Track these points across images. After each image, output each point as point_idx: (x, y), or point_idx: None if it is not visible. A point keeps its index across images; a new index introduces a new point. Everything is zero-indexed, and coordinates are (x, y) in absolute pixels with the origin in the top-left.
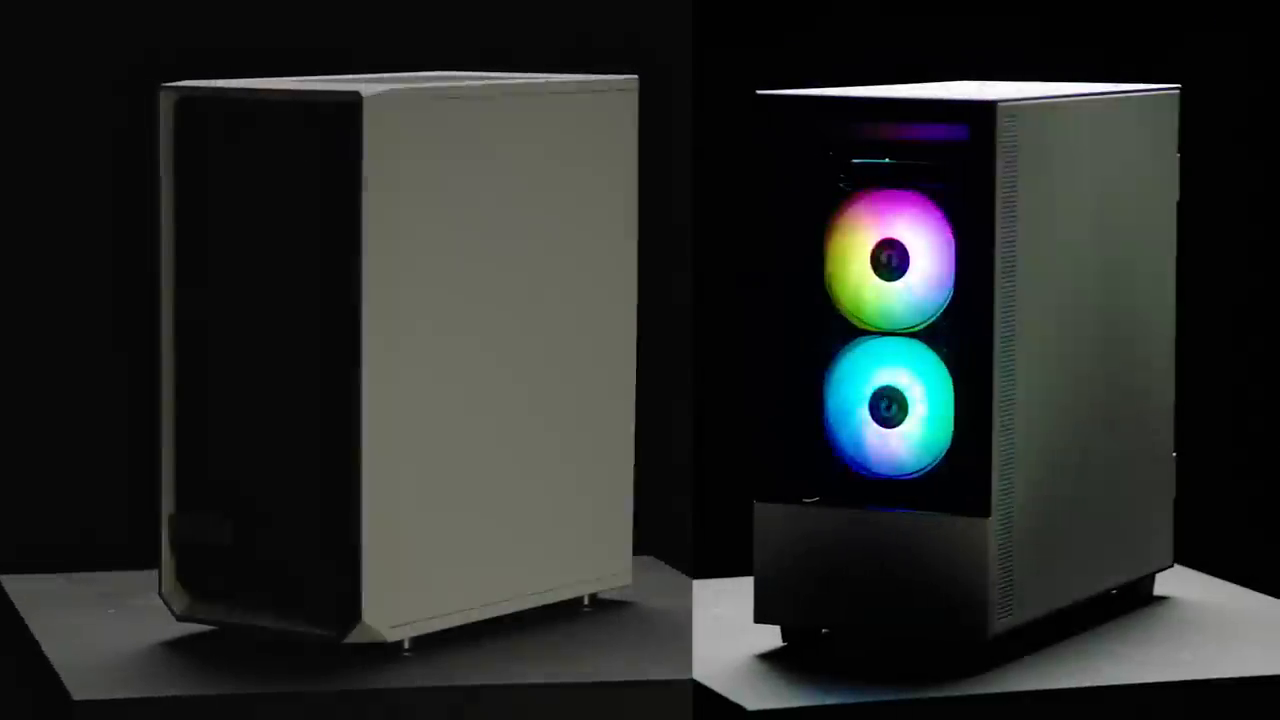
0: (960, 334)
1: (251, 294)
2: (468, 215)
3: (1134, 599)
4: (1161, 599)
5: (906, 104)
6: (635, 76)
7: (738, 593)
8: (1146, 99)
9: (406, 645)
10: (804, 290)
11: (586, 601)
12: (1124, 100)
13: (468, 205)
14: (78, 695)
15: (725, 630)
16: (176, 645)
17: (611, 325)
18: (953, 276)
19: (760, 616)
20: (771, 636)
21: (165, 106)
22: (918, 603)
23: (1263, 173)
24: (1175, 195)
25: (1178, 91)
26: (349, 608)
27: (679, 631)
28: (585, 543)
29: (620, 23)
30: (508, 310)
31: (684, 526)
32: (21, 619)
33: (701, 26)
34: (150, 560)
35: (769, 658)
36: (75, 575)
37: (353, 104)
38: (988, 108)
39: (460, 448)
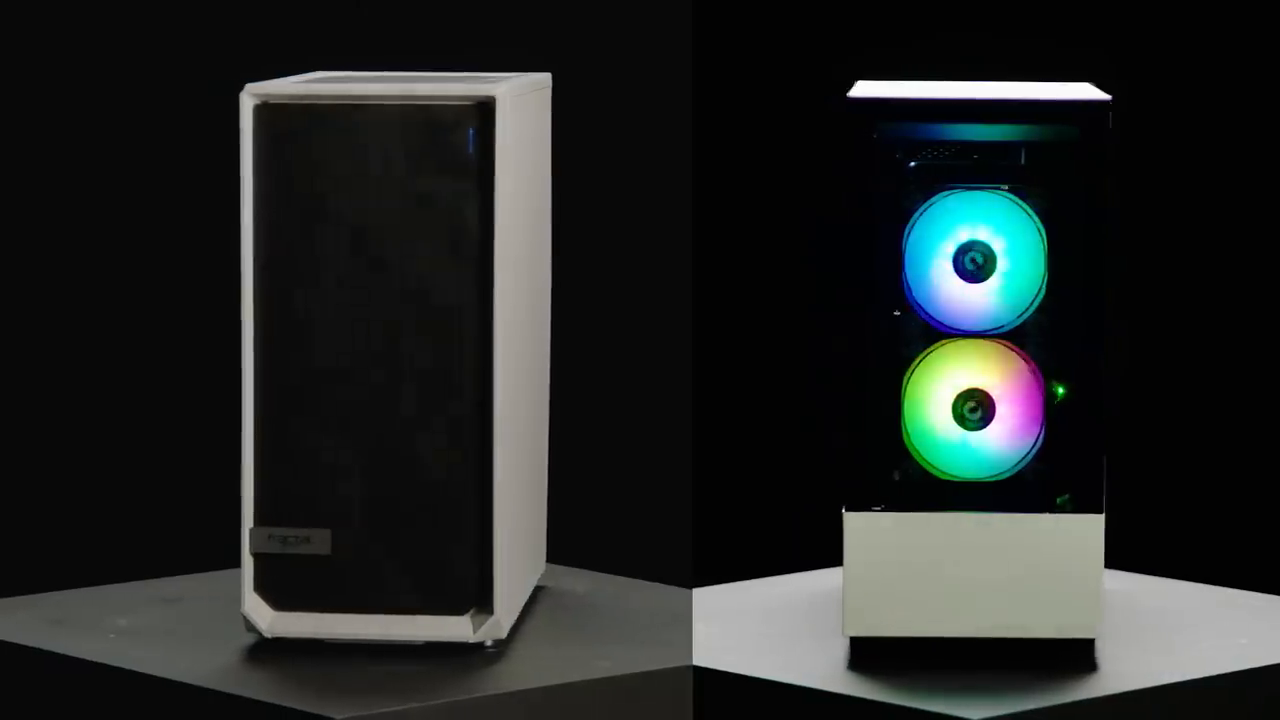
0: (1059, 334)
1: (357, 296)
2: (538, 211)
3: None
4: None
5: (1008, 105)
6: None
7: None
8: None
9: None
10: (885, 296)
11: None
12: None
13: (539, 201)
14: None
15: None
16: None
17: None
18: (1043, 279)
19: (853, 628)
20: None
21: (246, 109)
22: (1025, 604)
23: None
24: None
25: None
26: (483, 606)
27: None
28: None
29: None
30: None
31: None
32: None
33: (701, 27)
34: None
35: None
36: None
37: (487, 103)
38: (1099, 107)
39: (532, 446)
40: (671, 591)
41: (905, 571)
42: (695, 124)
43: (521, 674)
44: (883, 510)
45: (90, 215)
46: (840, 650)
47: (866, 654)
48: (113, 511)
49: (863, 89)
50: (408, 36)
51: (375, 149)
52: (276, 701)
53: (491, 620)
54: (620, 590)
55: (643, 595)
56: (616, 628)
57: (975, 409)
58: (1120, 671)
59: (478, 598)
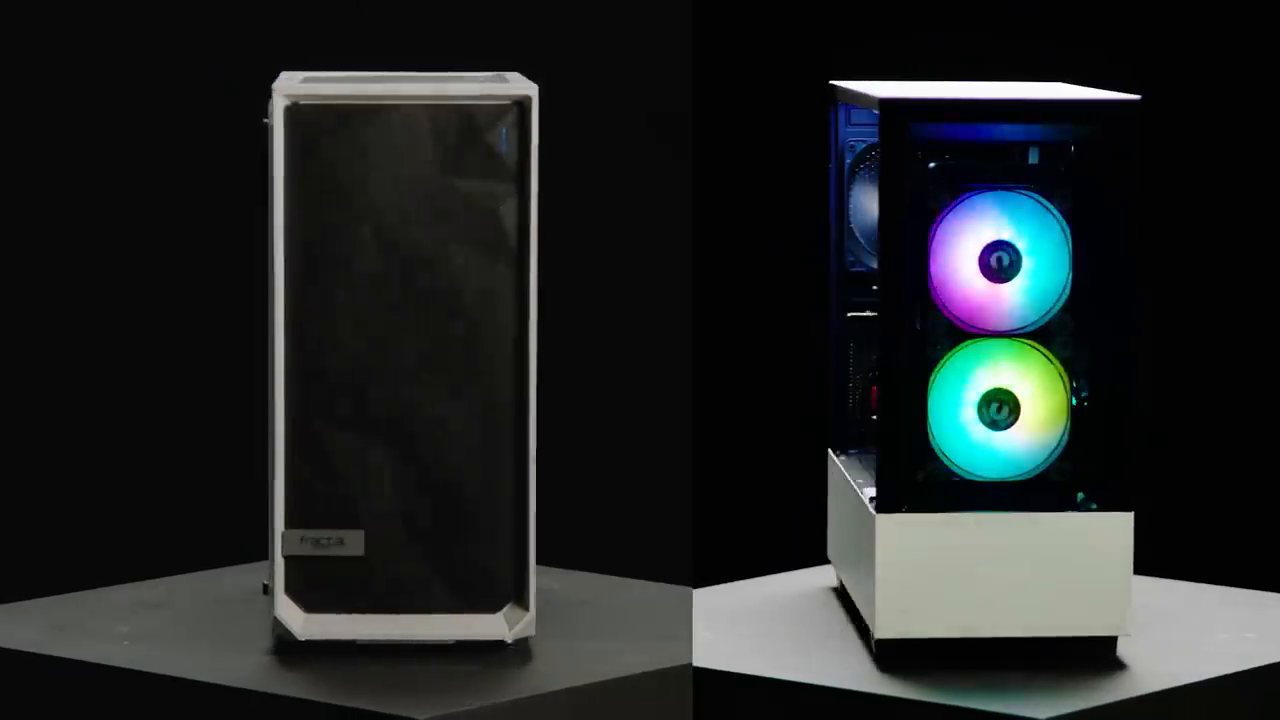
0: (1083, 334)
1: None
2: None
3: None
4: None
5: (1037, 105)
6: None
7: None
8: None
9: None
10: (913, 297)
11: None
12: None
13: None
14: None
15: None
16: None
17: None
18: (1068, 276)
19: (888, 630)
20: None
21: (278, 110)
22: (1054, 602)
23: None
24: None
25: None
26: (517, 604)
27: None
28: None
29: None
30: None
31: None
32: None
33: (701, 28)
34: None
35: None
36: None
37: (523, 102)
38: (1128, 107)
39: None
40: (672, 590)
41: (936, 573)
42: (695, 123)
43: (565, 671)
44: (912, 512)
45: (116, 221)
46: (845, 650)
47: (892, 655)
48: (53, 520)
49: (886, 87)
50: (386, 37)
51: (408, 149)
52: (344, 703)
53: (527, 618)
54: (616, 588)
55: (642, 594)
56: (615, 625)
57: (1001, 409)
58: (1153, 669)
59: (511, 596)
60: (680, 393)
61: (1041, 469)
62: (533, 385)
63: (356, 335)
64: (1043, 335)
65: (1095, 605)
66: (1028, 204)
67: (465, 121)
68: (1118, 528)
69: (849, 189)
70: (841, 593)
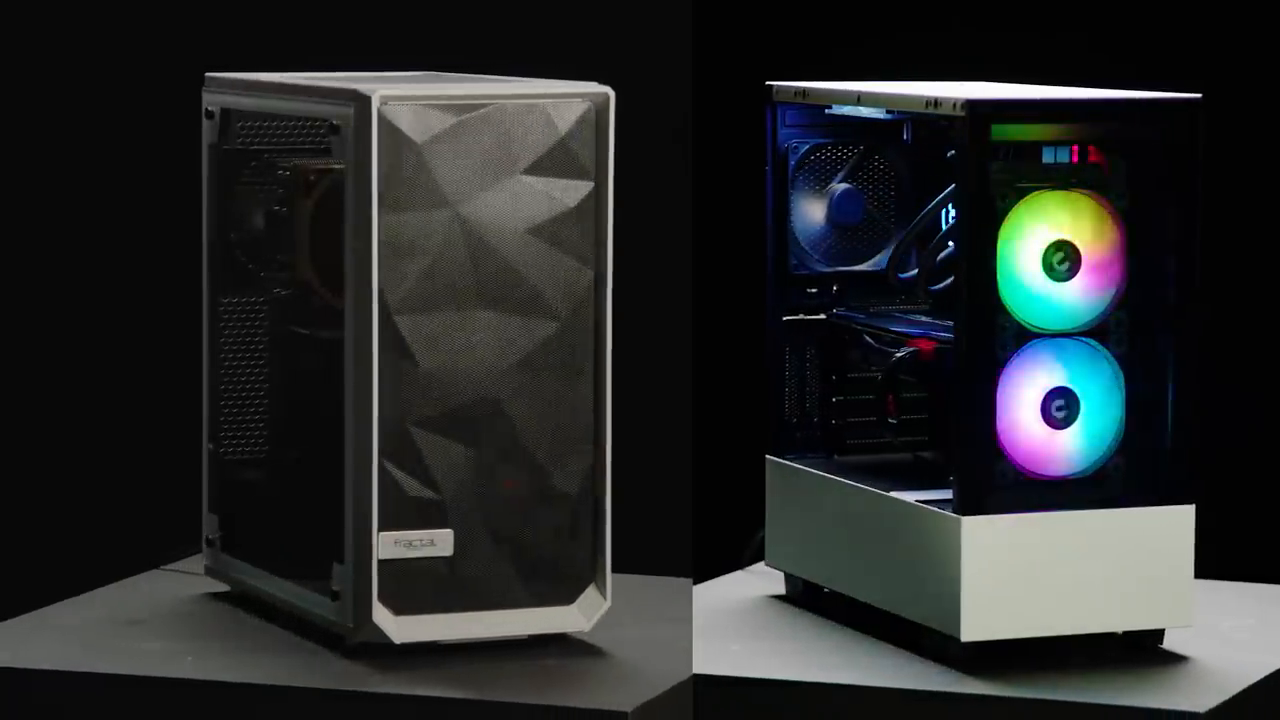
0: (1139, 331)
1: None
2: None
3: None
4: None
5: (1098, 105)
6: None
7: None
8: None
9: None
10: (983, 296)
11: None
12: None
13: None
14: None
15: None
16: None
17: None
18: (1123, 276)
19: (974, 632)
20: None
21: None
22: (1124, 597)
23: None
24: None
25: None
26: (592, 595)
27: None
28: None
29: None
30: None
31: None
32: None
33: (701, 27)
34: None
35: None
36: None
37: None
38: (1190, 107)
39: None
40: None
41: (1018, 573)
42: (694, 125)
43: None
44: (992, 513)
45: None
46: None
47: (971, 657)
48: None
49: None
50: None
51: (495, 148)
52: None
53: (605, 608)
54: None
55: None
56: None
57: (1063, 405)
58: (1218, 665)
59: (587, 587)
60: (680, 391)
61: (1099, 466)
62: (608, 380)
63: (445, 334)
64: (1099, 333)
65: (1162, 598)
66: (1086, 204)
67: (550, 121)
68: (1180, 521)
69: (791, 191)
70: (802, 597)
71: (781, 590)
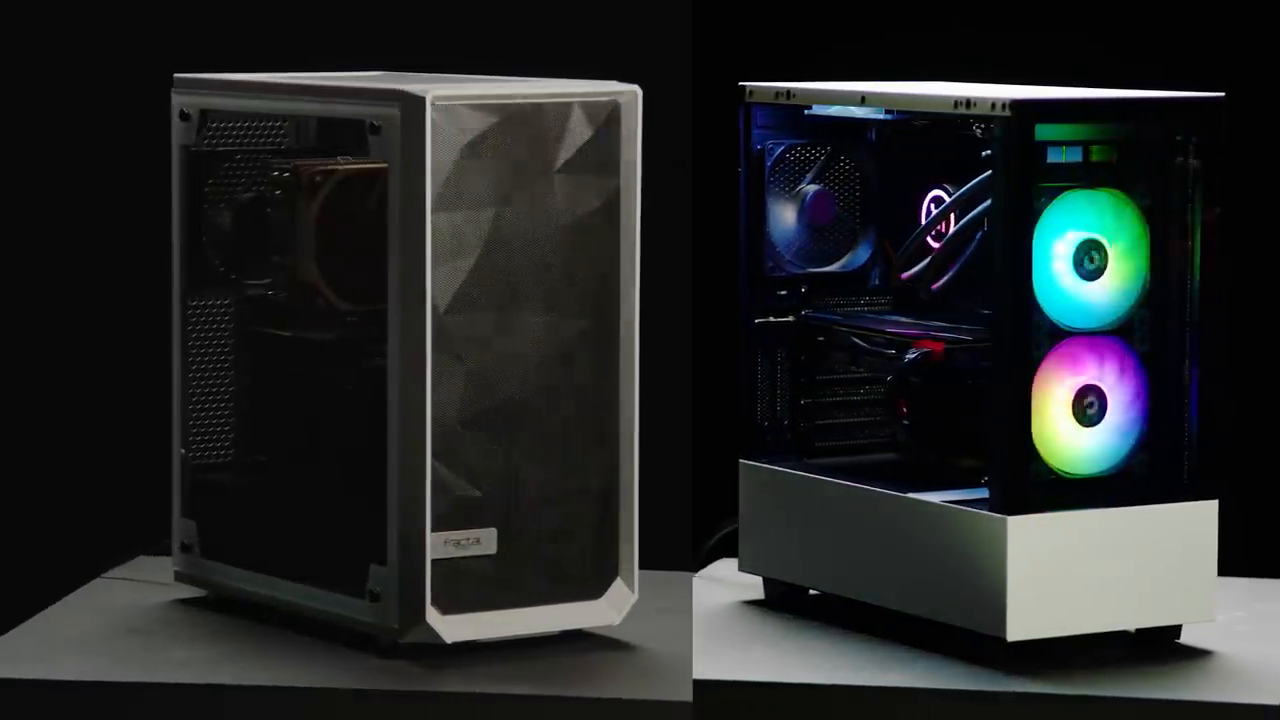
0: (1160, 328)
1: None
2: None
3: None
4: None
5: (1137, 104)
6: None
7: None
8: None
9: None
10: (1022, 295)
11: None
12: None
13: None
14: None
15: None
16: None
17: None
18: (1145, 275)
19: (1020, 631)
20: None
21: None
22: (1156, 592)
23: None
24: None
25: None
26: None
27: None
28: None
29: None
30: None
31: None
32: None
33: (700, 29)
34: None
35: None
36: None
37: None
38: (1212, 105)
39: None
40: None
41: (1058, 572)
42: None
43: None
44: (1032, 513)
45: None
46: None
47: (1011, 655)
48: None
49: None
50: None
51: (542, 144)
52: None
53: (632, 601)
54: None
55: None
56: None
57: (1092, 404)
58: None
59: (614, 581)
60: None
61: (1125, 463)
62: (636, 375)
63: (483, 333)
64: (1125, 330)
65: (1189, 593)
66: (1112, 203)
67: (578, 120)
68: (1203, 516)
69: (768, 192)
70: (782, 602)
71: (744, 595)
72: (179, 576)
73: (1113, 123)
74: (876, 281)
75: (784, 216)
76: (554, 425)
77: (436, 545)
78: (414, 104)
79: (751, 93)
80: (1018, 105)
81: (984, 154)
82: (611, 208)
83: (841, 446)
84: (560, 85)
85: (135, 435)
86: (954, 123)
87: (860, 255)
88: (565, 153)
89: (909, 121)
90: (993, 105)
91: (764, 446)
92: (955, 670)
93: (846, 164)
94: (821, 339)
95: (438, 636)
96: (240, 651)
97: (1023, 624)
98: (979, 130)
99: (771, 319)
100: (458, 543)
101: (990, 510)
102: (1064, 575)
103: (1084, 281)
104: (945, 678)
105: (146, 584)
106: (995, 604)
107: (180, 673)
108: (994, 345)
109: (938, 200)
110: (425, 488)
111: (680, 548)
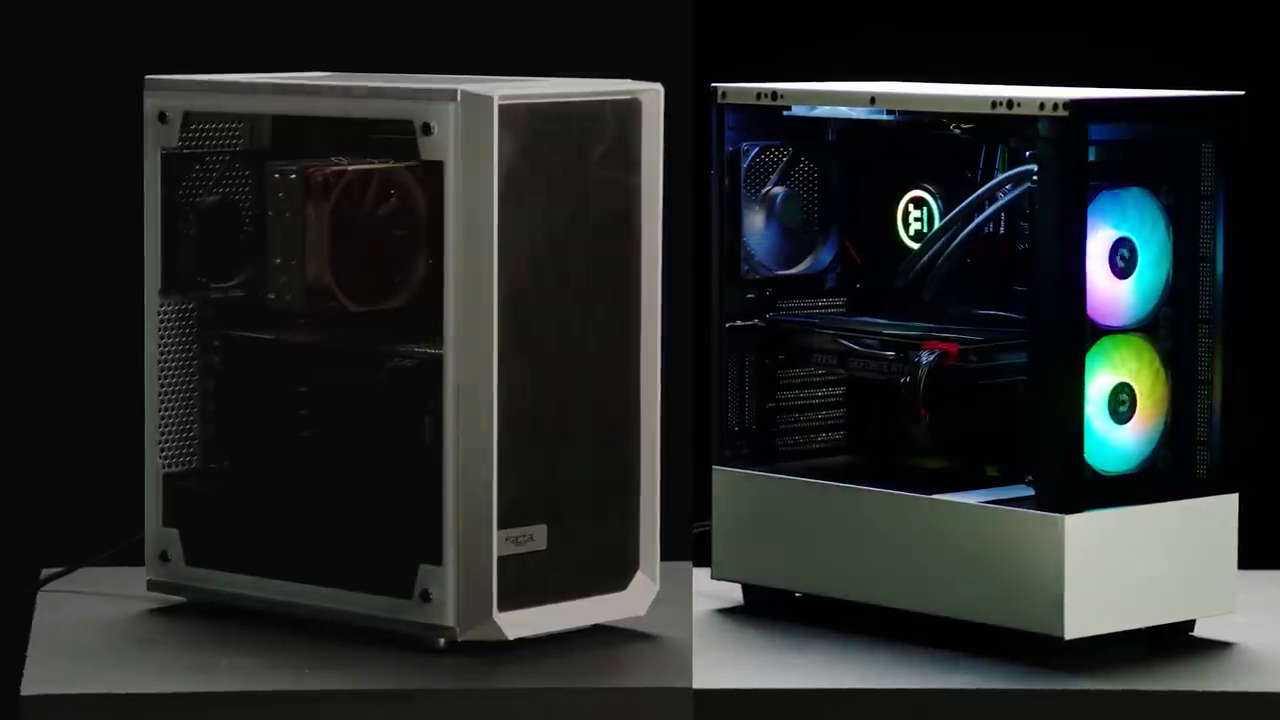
0: (1183, 325)
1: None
2: None
3: None
4: None
5: (1151, 103)
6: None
7: None
8: None
9: None
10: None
11: None
12: None
13: None
14: None
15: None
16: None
17: None
18: (1169, 273)
19: (1078, 629)
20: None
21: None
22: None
23: None
24: None
25: None
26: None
27: None
28: None
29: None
30: None
31: None
32: None
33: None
34: None
35: None
36: None
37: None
38: (1233, 104)
39: None
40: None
41: (1109, 570)
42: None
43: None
44: (1078, 511)
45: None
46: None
47: (1062, 653)
48: None
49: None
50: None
51: (574, 145)
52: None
53: (655, 592)
54: None
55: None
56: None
57: (1124, 403)
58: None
59: (636, 573)
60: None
61: (1150, 460)
62: (658, 366)
63: (548, 330)
64: (1149, 329)
65: (1212, 586)
66: (1139, 201)
67: (610, 118)
68: (1225, 510)
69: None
70: (764, 607)
71: (715, 605)
72: (152, 585)
73: (1150, 122)
74: (834, 283)
75: (754, 218)
76: (586, 418)
77: (502, 543)
78: (480, 103)
79: (724, 94)
80: (1075, 105)
81: (1026, 154)
82: (637, 200)
83: (813, 449)
84: (591, 85)
85: (96, 445)
86: (928, 123)
87: (824, 257)
88: (598, 149)
89: (874, 122)
90: (1041, 105)
91: (738, 451)
92: (1005, 670)
93: (806, 165)
94: (802, 341)
95: (500, 634)
96: (280, 660)
97: (1079, 622)
98: (957, 130)
99: (739, 322)
100: (516, 540)
101: (1040, 509)
102: (1113, 572)
103: (1118, 280)
104: (998, 678)
105: (116, 598)
106: (1051, 603)
107: (244, 681)
108: (1033, 344)
109: (917, 201)
110: (492, 485)
111: (680, 539)
